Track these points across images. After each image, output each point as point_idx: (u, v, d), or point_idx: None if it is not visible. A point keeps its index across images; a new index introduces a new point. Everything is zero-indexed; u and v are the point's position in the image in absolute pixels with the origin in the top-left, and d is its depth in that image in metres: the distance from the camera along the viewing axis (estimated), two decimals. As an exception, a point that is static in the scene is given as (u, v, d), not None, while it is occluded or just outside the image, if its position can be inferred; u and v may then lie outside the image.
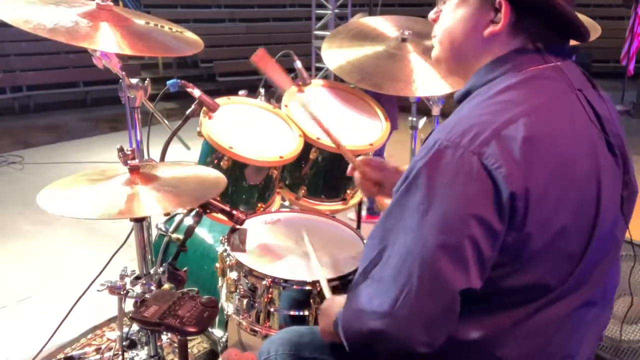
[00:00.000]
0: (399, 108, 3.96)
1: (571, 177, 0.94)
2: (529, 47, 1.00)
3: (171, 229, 2.20)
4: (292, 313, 1.54)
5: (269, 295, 1.53)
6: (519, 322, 0.99)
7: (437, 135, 0.95)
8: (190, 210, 1.86)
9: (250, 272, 1.55)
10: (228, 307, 1.63)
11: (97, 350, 2.33)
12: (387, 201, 1.69)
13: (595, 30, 2.33)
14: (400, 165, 1.50)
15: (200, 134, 1.86)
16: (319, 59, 7.18)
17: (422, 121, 2.71)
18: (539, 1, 0.96)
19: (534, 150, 0.90)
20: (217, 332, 1.98)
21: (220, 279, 1.71)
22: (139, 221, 1.70)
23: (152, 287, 1.67)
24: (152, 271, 1.73)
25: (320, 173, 2.02)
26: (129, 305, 1.79)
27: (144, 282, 1.68)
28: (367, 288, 0.99)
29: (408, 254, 0.93)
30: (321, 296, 1.49)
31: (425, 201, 0.92)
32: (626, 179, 1.05)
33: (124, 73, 1.99)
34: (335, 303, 1.21)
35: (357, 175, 1.51)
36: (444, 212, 0.90)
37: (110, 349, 2.24)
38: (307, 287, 1.51)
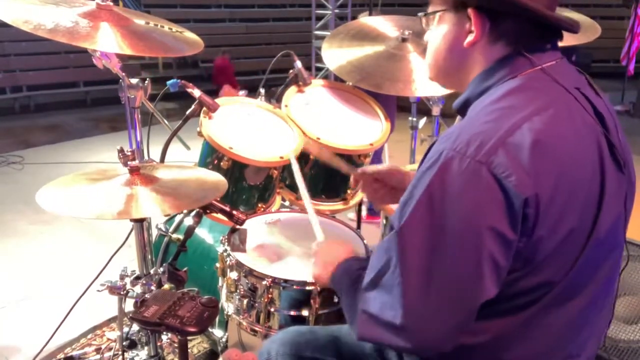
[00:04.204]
0: (398, 108, 3.95)
1: (577, 178, 0.94)
2: (512, 52, 1.00)
3: (171, 229, 2.20)
4: (292, 313, 1.54)
5: (269, 295, 1.53)
6: (526, 324, 0.98)
7: (442, 145, 0.94)
8: (191, 211, 1.86)
9: (250, 272, 1.55)
10: (228, 307, 1.63)
11: (97, 350, 2.33)
12: (393, 206, 1.71)
13: (595, 30, 2.33)
14: (393, 165, 1.54)
15: (200, 134, 1.86)
16: (319, 59, 7.18)
17: (422, 121, 2.72)
18: (505, 6, 0.96)
19: (541, 156, 0.89)
20: (217, 332, 1.98)
21: (220, 279, 1.71)
22: (139, 221, 1.70)
23: (152, 287, 1.67)
24: (152, 271, 1.73)
25: (320, 173, 2.02)
26: (129, 305, 1.79)
27: (144, 282, 1.68)
28: (379, 296, 0.99)
29: (419, 268, 0.92)
30: (321, 296, 1.49)
31: (436, 213, 0.90)
32: (628, 179, 1.04)
33: (124, 73, 1.99)
34: (331, 253, 1.29)
35: (360, 184, 1.57)
36: (457, 226, 0.89)
37: (110, 349, 2.24)
38: (307, 287, 1.51)
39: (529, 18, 0.97)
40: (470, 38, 1.02)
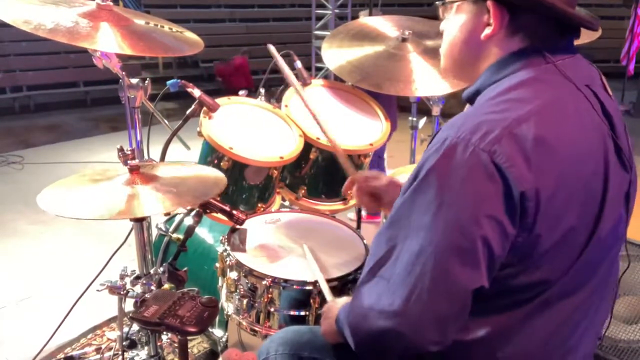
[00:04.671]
0: (399, 108, 3.95)
1: (580, 176, 0.94)
2: (527, 46, 1.00)
3: (171, 229, 2.20)
4: (292, 313, 1.54)
5: (269, 295, 1.53)
6: (524, 320, 0.99)
7: (447, 132, 0.94)
8: (191, 210, 1.86)
9: (250, 272, 1.55)
10: (228, 307, 1.63)
11: (97, 350, 2.33)
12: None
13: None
14: (394, 177, 1.51)
15: (200, 134, 1.86)
16: (319, 59, 7.18)
17: (422, 121, 2.71)
18: (525, 0, 0.96)
19: (545, 150, 0.90)
20: (217, 332, 1.98)
21: (220, 279, 1.71)
22: (139, 221, 1.70)
23: (152, 287, 1.67)
24: (152, 271, 1.73)
25: (320, 173, 2.02)
26: (129, 305, 1.79)
27: (144, 282, 1.68)
28: (375, 287, 0.98)
29: (419, 253, 0.92)
30: (321, 295, 1.49)
31: (437, 200, 0.91)
32: (630, 177, 1.04)
33: (124, 73, 1.99)
34: (336, 305, 1.21)
35: (355, 189, 1.52)
36: (456, 212, 0.90)
37: (110, 349, 2.24)
38: (307, 287, 1.51)
39: (548, 13, 0.97)
40: (488, 31, 1.01)
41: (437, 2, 1.13)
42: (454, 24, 1.08)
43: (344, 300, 1.21)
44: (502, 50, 1.02)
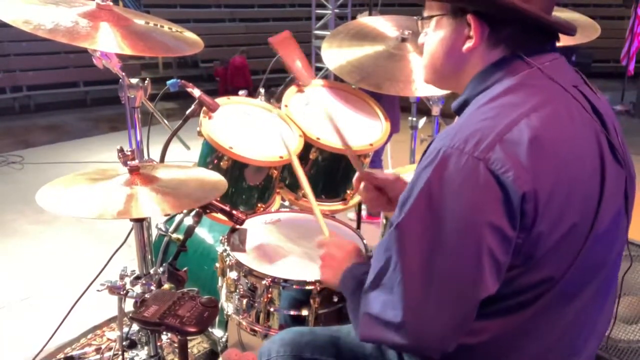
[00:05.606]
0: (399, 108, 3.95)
1: (577, 174, 0.94)
2: (509, 54, 1.00)
3: (171, 229, 2.20)
4: (292, 313, 1.54)
5: (269, 295, 1.53)
6: (528, 323, 0.98)
7: (440, 142, 0.94)
8: (190, 210, 1.86)
9: (250, 272, 1.55)
10: (228, 307, 1.63)
11: (97, 350, 2.33)
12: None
13: (595, 30, 2.33)
14: (399, 174, 1.50)
15: (200, 134, 1.86)
16: (319, 59, 7.18)
17: (422, 121, 2.71)
18: (506, 12, 0.96)
19: (540, 151, 0.90)
20: (217, 332, 1.98)
21: (220, 279, 1.71)
22: (139, 221, 1.70)
23: (152, 287, 1.67)
24: (152, 271, 1.73)
25: (320, 173, 2.02)
26: (129, 305, 1.79)
27: (144, 282, 1.68)
28: (380, 296, 0.99)
29: (420, 264, 0.92)
30: (321, 296, 1.49)
31: (434, 210, 0.91)
32: (627, 176, 1.04)
33: (123, 73, 1.99)
34: (338, 254, 1.27)
35: (362, 187, 1.47)
36: (456, 222, 0.89)
37: (110, 349, 2.24)
38: (307, 287, 1.51)
39: (528, 23, 0.97)
40: (469, 44, 1.01)
41: (415, 18, 1.13)
42: (434, 37, 1.08)
43: (346, 246, 1.28)
44: (484, 60, 1.02)
